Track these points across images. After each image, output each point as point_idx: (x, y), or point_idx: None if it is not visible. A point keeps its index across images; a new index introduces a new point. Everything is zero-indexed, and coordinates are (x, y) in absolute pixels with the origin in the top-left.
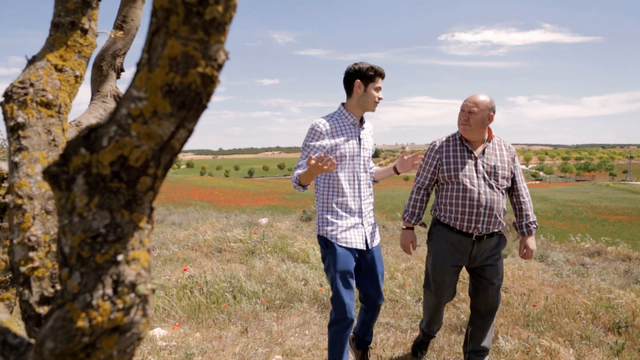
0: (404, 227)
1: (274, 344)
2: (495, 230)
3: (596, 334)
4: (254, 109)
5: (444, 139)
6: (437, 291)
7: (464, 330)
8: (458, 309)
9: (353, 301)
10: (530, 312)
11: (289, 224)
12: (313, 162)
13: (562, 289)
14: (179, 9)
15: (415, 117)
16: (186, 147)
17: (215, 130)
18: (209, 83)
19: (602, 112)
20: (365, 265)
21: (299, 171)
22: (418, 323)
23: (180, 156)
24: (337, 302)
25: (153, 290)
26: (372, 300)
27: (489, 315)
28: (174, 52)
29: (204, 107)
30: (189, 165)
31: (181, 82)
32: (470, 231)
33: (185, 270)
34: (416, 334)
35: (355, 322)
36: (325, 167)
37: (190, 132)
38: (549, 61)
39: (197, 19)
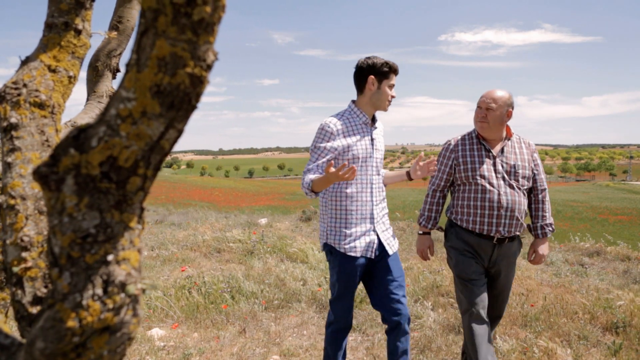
0: (421, 232)
1: (272, 344)
2: (517, 233)
3: (594, 334)
4: (254, 109)
5: (459, 137)
6: (468, 292)
7: (462, 330)
8: (456, 309)
9: (352, 309)
10: (529, 312)
11: (288, 224)
12: (333, 170)
13: (561, 289)
14: (167, 10)
15: (415, 117)
16: (186, 147)
17: (215, 131)
18: (197, 83)
19: (602, 112)
20: (379, 274)
21: (312, 176)
22: (416, 323)
23: (180, 156)
24: (336, 307)
25: (143, 290)
26: (390, 316)
27: (494, 321)
28: (162, 52)
29: (194, 107)
30: (189, 165)
31: (170, 83)
32: (492, 234)
33: (183, 270)
34: (414, 334)
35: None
36: (346, 176)
37: (180, 132)
38: (549, 61)
39: (186, 20)
